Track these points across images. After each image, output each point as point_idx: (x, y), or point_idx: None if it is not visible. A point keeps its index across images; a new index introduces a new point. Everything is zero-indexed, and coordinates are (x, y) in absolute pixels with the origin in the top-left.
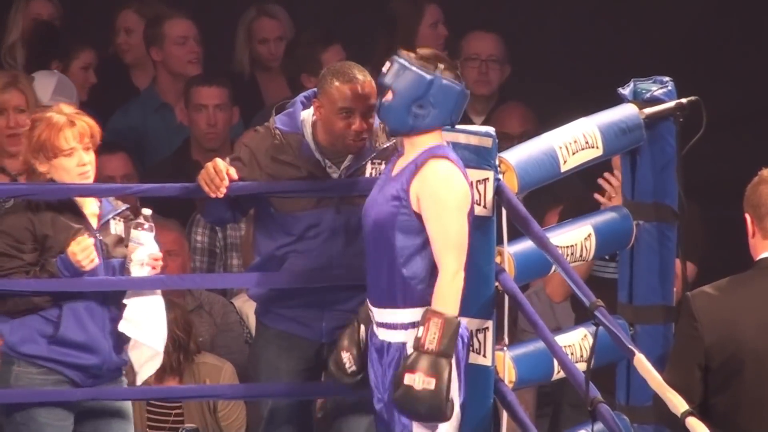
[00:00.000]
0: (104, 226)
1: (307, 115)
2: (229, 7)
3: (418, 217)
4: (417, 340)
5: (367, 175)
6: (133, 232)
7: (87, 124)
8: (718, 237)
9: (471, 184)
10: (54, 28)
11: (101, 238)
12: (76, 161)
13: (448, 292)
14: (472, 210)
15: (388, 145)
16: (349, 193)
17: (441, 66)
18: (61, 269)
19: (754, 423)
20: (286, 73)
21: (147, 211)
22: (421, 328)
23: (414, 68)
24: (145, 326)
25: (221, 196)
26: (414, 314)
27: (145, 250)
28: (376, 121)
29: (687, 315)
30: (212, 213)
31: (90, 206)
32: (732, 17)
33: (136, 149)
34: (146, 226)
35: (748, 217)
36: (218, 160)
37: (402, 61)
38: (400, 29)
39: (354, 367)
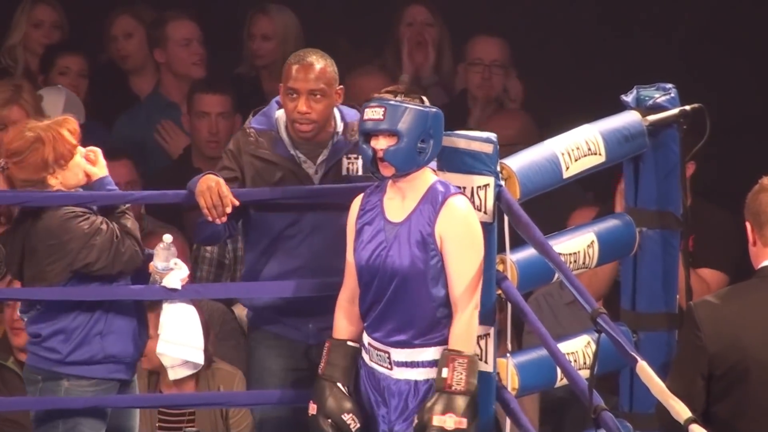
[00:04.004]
0: None
1: (282, 113)
2: (235, 10)
3: (442, 257)
4: (442, 380)
5: (343, 170)
6: (159, 262)
7: (71, 123)
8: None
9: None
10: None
11: None
12: (80, 154)
13: (469, 332)
14: None
15: None
16: (330, 197)
17: (424, 97)
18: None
19: (757, 430)
20: None
21: (168, 237)
22: (445, 369)
23: (411, 106)
24: (185, 344)
25: (223, 221)
26: (437, 352)
27: (176, 275)
28: (347, 115)
29: (690, 324)
30: (205, 230)
31: None
32: (739, 23)
33: (141, 154)
34: (162, 245)
35: (748, 225)
36: (222, 183)
37: (393, 103)
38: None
39: (358, 425)
